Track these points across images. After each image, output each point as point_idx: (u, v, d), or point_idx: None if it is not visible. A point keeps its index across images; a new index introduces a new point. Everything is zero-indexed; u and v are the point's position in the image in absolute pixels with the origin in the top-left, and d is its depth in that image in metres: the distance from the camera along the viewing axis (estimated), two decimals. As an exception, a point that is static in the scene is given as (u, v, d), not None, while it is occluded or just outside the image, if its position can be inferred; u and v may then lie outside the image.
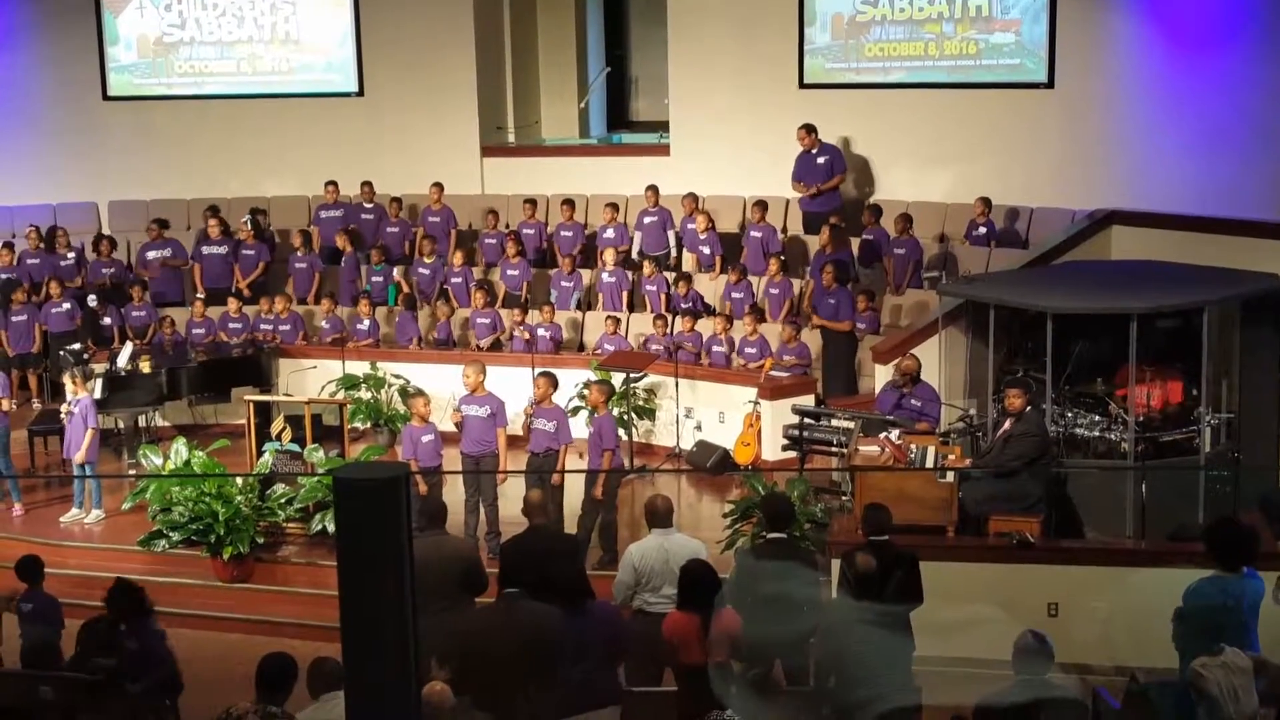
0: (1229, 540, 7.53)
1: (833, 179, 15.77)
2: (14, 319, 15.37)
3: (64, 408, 12.89)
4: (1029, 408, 10.49)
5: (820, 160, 15.74)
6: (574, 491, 11.63)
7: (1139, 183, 14.50)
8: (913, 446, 10.77)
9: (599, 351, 14.81)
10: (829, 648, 6.97)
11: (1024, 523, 10.16)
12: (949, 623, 8.21)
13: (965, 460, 10.82)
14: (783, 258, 15.26)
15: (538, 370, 12.36)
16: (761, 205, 15.81)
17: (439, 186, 17.04)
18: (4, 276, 16.00)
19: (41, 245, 16.62)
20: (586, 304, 16.10)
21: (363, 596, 3.05)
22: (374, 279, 16.38)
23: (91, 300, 15.74)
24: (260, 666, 6.73)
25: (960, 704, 6.79)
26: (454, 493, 11.90)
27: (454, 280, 16.13)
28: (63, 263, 16.48)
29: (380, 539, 3.01)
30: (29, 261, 16.47)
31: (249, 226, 16.80)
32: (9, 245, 16.35)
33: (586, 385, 12.01)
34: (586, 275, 16.23)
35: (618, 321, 15.03)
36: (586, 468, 11.45)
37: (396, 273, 16.56)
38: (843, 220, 15.41)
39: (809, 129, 15.69)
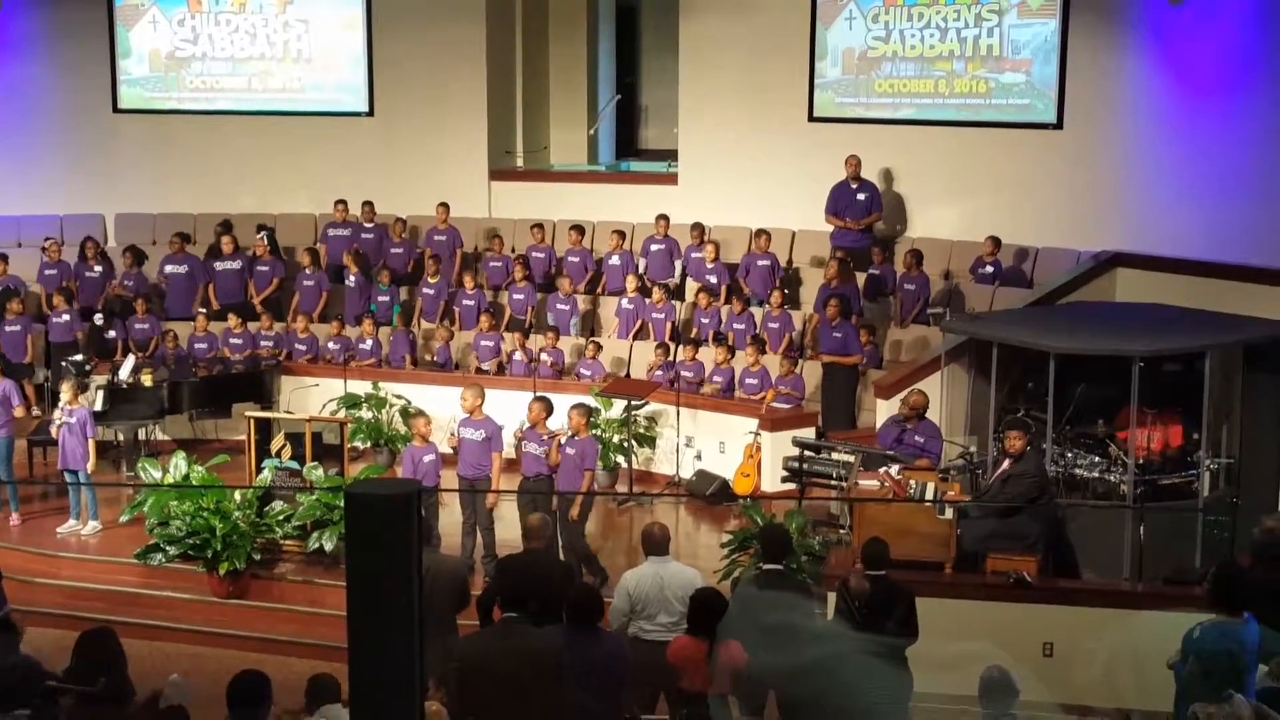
0: (1233, 585, 7.52)
1: (870, 216, 15.76)
2: (8, 329, 15.38)
3: (56, 416, 12.87)
4: (1028, 449, 10.49)
5: (860, 196, 15.73)
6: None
7: (1145, 226, 14.54)
8: (912, 482, 10.77)
9: (577, 377, 14.83)
10: (826, 679, 6.95)
11: (1022, 562, 10.15)
12: (945, 659, 8.19)
13: (964, 498, 10.80)
14: (785, 290, 15.30)
15: (533, 395, 12.35)
16: (763, 235, 15.83)
17: (445, 207, 17.07)
18: (2, 288, 16.01)
19: (63, 259, 16.62)
20: (590, 330, 16.12)
21: (371, 611, 3.04)
22: (380, 299, 16.40)
23: (98, 319, 15.77)
24: (231, 685, 6.64)
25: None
26: (452, 515, 11.89)
27: (465, 302, 16.15)
28: (89, 274, 16.50)
29: (390, 554, 3.01)
30: (46, 273, 16.49)
31: (265, 242, 16.82)
32: (3, 257, 16.38)
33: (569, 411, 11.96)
34: (583, 300, 16.26)
35: (599, 346, 15.04)
36: (559, 489, 11.42)
37: (403, 293, 16.58)
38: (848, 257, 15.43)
39: (858, 160, 15.69)
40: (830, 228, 15.96)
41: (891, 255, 15.57)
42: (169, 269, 16.70)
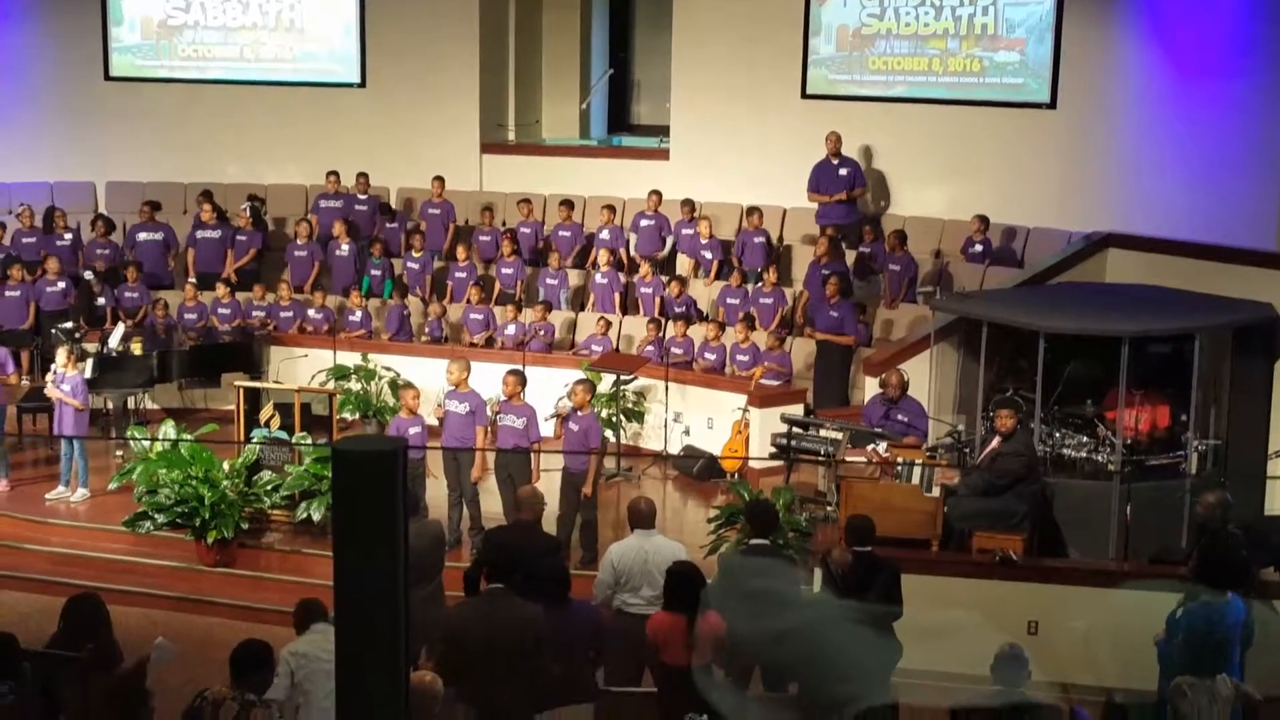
0: (1219, 563, 7.57)
1: (854, 190, 15.77)
2: (8, 294, 15.35)
3: (49, 379, 12.89)
4: (1018, 427, 10.53)
5: (842, 171, 15.72)
6: (550, 492, 11.62)
7: (1137, 207, 14.54)
8: (899, 459, 10.80)
9: (585, 352, 14.83)
10: (808, 644, 6.99)
11: (1007, 540, 10.19)
12: (929, 629, 8.23)
13: (953, 475, 10.84)
14: (777, 267, 15.31)
15: (507, 368, 12.32)
16: (756, 212, 15.83)
17: (440, 180, 17.05)
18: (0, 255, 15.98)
19: (36, 225, 16.58)
20: (580, 304, 16.12)
21: (358, 567, 3.06)
22: (373, 272, 16.38)
23: (87, 274, 15.73)
24: (235, 653, 6.74)
25: (938, 706, 6.83)
26: (439, 488, 11.90)
27: (457, 275, 16.13)
28: (59, 242, 16.45)
29: (377, 510, 3.03)
30: (24, 240, 16.43)
31: (247, 214, 16.79)
32: (1, 225, 16.33)
33: (572, 385, 11.98)
34: (574, 275, 16.26)
35: (608, 323, 15.04)
36: (567, 466, 11.43)
37: (396, 266, 16.56)
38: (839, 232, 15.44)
39: (839, 137, 15.67)
40: (815, 206, 15.95)
41: (881, 233, 15.57)
42: (141, 236, 16.65)
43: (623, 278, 15.86)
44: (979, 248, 15.16)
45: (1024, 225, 15.37)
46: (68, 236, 16.54)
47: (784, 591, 7.15)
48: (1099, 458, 11.08)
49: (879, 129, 16.00)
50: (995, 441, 10.54)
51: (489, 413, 12.01)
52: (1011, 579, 10.01)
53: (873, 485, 10.70)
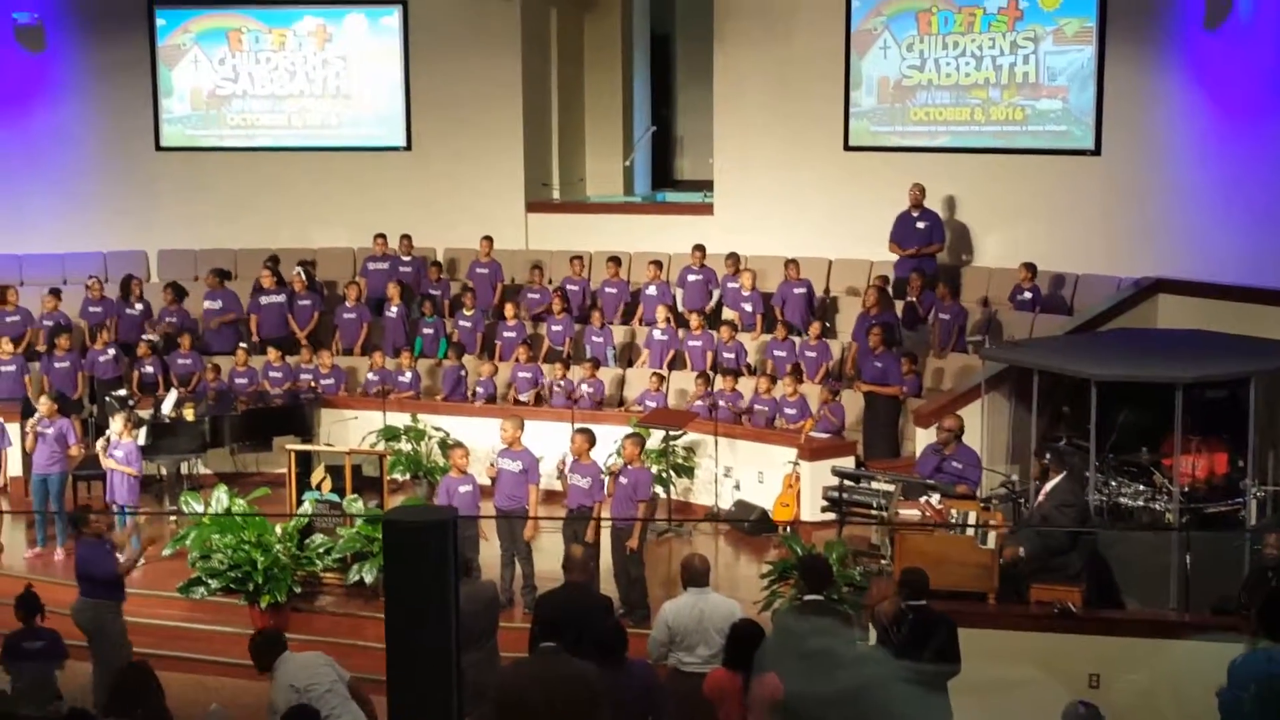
0: (1280, 611, 7.43)
1: (930, 245, 15.71)
2: (57, 365, 15.52)
3: (100, 444, 13.04)
4: (1065, 476, 10.39)
5: (920, 225, 15.69)
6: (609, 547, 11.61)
7: (1186, 251, 14.43)
8: (953, 511, 10.69)
9: (638, 408, 14.83)
10: (863, 705, 6.91)
11: (1066, 591, 10.04)
12: (988, 685, 8.11)
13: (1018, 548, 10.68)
14: (826, 323, 15.28)
15: (575, 426, 12.36)
16: (793, 263, 15.80)
17: (489, 240, 17.15)
18: (50, 323, 16.16)
19: (106, 296, 16.78)
20: (628, 360, 16.13)
21: (409, 635, 3.06)
22: (424, 330, 16.47)
23: (150, 337, 15.90)
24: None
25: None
26: (492, 548, 11.90)
27: (506, 334, 16.19)
28: (129, 310, 16.63)
29: (428, 580, 3.03)
30: (90, 309, 16.62)
31: (303, 277, 16.93)
32: (55, 293, 16.53)
33: (622, 440, 12.02)
34: (619, 332, 16.27)
35: (661, 379, 15.05)
36: (615, 518, 11.41)
37: (448, 325, 16.64)
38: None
39: (923, 189, 15.65)
40: (867, 256, 15.95)
41: (930, 283, 15.50)
42: (206, 304, 16.83)
43: (680, 334, 15.85)
44: (1027, 295, 15.08)
45: (1072, 272, 15.28)
46: (139, 306, 16.73)
47: (838, 651, 7.08)
48: (1156, 506, 10.93)
49: (923, 180, 15.97)
50: (1044, 491, 10.42)
51: (556, 470, 12.02)
52: (1071, 631, 9.87)
53: (927, 538, 10.58)
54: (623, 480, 11.50)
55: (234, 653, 11.69)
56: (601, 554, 11.48)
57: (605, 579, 11.37)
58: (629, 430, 13.13)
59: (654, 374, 15.11)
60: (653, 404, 14.73)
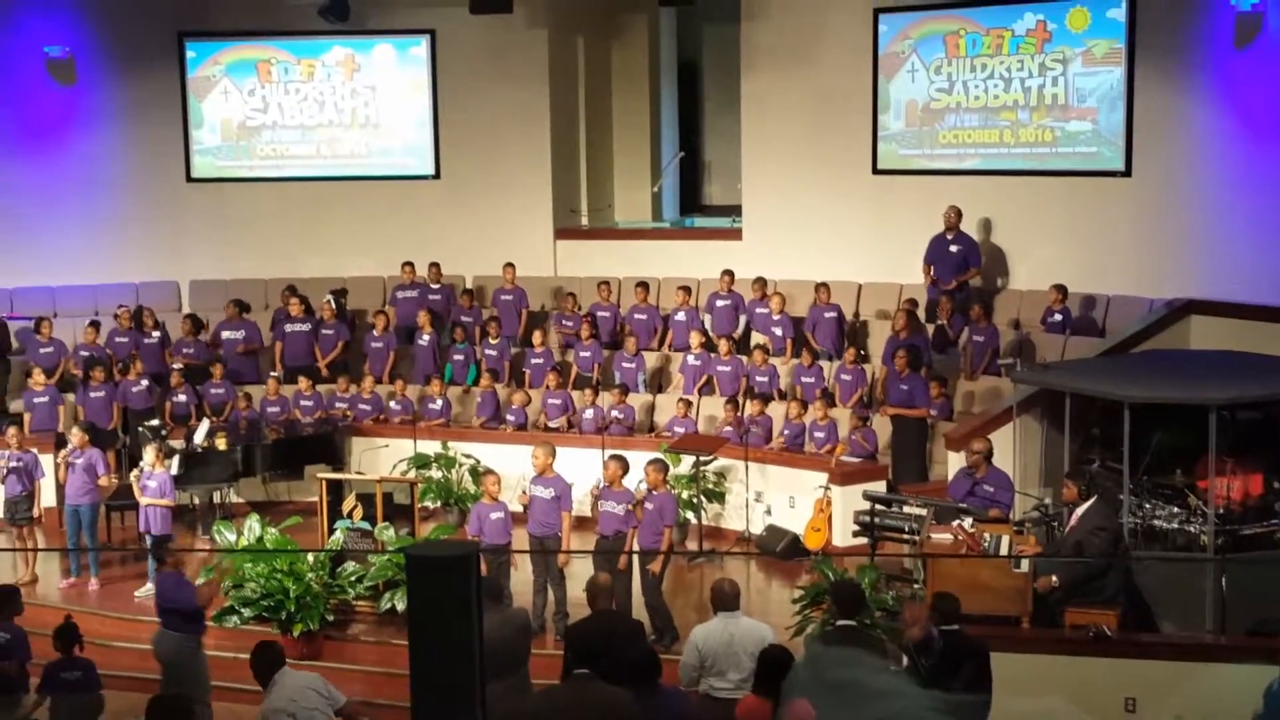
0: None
1: (967, 272, 15.65)
2: (92, 395, 15.62)
3: (134, 475, 13.12)
4: (1098, 500, 10.32)
5: (953, 249, 15.63)
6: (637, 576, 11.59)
7: (1218, 272, 14.34)
8: (986, 535, 10.63)
9: (668, 434, 14.81)
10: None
11: (1101, 615, 9.96)
12: (1022, 714, 8.04)
13: (1039, 550, 10.64)
14: (861, 350, 15.24)
15: (609, 453, 12.36)
16: (824, 287, 15.78)
17: (511, 267, 17.20)
18: (86, 354, 16.27)
19: (130, 326, 16.88)
20: (658, 386, 16.13)
21: (433, 670, 3.05)
22: (455, 357, 16.52)
23: (176, 366, 15.98)
24: None
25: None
26: (524, 574, 11.89)
27: (534, 361, 16.21)
28: (145, 341, 16.73)
29: (450, 614, 3.02)
30: (117, 340, 16.73)
31: (331, 305, 17.00)
32: (95, 324, 16.65)
33: (645, 466, 12.00)
34: (651, 358, 16.27)
35: (689, 404, 15.03)
36: (641, 544, 11.39)
37: (478, 352, 16.68)
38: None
39: (958, 212, 15.59)
40: (898, 280, 15.91)
41: (964, 306, 15.44)
42: (225, 334, 16.90)
43: (713, 358, 15.84)
44: (1058, 317, 15.00)
45: (1103, 294, 15.20)
46: (155, 335, 16.83)
47: (868, 681, 7.03)
48: (1191, 529, 10.84)
49: (952, 202, 15.93)
50: (1074, 517, 10.35)
51: (590, 496, 12.02)
52: (1107, 655, 9.78)
53: (960, 562, 10.52)
54: (648, 506, 11.48)
55: (267, 682, 11.71)
56: (634, 581, 11.49)
57: (638, 607, 11.36)
58: (653, 456, 13.13)
59: (681, 400, 15.09)
60: (681, 430, 14.72)
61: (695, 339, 15.79)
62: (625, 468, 11.67)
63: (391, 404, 15.83)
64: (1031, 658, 9.75)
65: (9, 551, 13.78)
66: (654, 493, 11.49)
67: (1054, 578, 10.02)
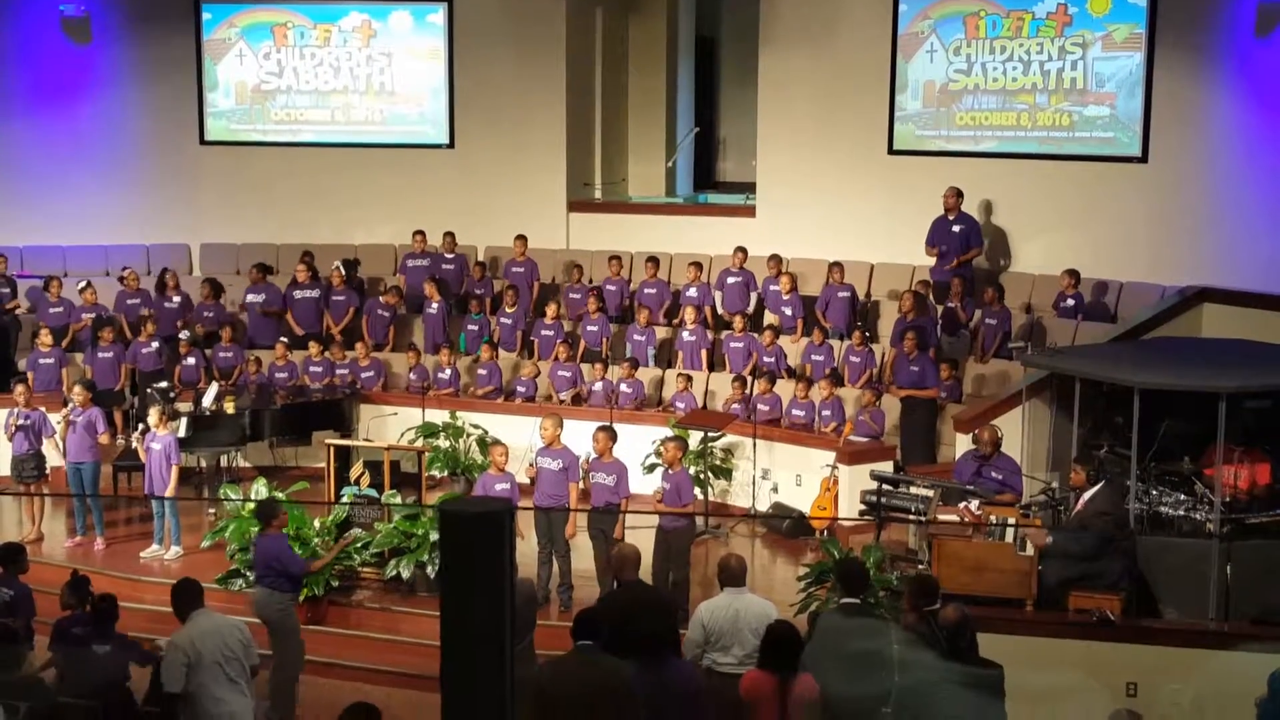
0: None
1: (969, 252, 15.64)
2: (100, 355, 15.64)
3: (135, 438, 13.11)
4: (1105, 485, 10.32)
5: (955, 229, 15.61)
6: (646, 549, 11.57)
7: (1232, 260, 14.32)
8: (992, 517, 10.63)
9: (671, 409, 14.82)
10: (912, 707, 6.86)
11: (1105, 600, 9.97)
12: (1034, 692, 8.04)
13: (1046, 534, 10.64)
14: (867, 333, 15.23)
15: (597, 425, 12.35)
16: (838, 267, 15.76)
17: (523, 239, 17.19)
18: (90, 315, 16.28)
19: (142, 288, 16.88)
20: (667, 361, 16.13)
21: (464, 626, 3.06)
22: (469, 327, 16.51)
23: (183, 335, 15.97)
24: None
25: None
26: (529, 545, 11.91)
27: (544, 333, 16.21)
28: (167, 305, 16.74)
29: (485, 570, 3.03)
30: (127, 302, 16.73)
31: (341, 272, 17.00)
32: (90, 285, 16.64)
33: (662, 443, 12.02)
34: (662, 332, 16.27)
35: (689, 379, 15.03)
36: (662, 525, 11.39)
37: (493, 323, 16.68)
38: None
39: (958, 193, 15.58)
40: (910, 261, 15.88)
41: (971, 289, 15.43)
42: (249, 298, 16.92)
43: (710, 335, 15.84)
44: (1070, 302, 14.98)
45: (1116, 280, 15.18)
46: (176, 299, 16.84)
47: (887, 652, 7.03)
48: (1197, 516, 10.83)
49: (967, 184, 15.89)
50: (1080, 502, 10.35)
51: (581, 470, 12.03)
52: (1110, 639, 9.79)
53: (965, 544, 10.53)
54: (665, 485, 11.49)
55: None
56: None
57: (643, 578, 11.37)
58: (670, 433, 13.13)
59: (679, 375, 15.09)
60: (682, 405, 14.73)
61: (690, 314, 15.77)
62: (614, 439, 11.67)
63: (411, 375, 15.80)
64: (1035, 640, 9.77)
65: (16, 497, 13.84)
66: (670, 471, 11.49)
67: (1048, 536, 9.98)
